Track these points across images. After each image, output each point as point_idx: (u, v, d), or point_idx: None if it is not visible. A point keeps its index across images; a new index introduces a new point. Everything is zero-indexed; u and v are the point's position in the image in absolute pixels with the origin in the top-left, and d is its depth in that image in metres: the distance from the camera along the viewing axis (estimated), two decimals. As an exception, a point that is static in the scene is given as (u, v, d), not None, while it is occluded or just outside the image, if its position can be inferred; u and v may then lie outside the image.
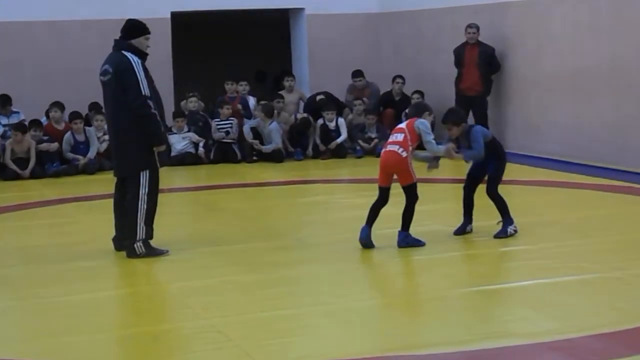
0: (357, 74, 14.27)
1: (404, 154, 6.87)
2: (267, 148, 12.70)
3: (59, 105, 12.56)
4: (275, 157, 12.63)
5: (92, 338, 5.12)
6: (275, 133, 12.75)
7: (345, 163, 12.68)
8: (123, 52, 6.86)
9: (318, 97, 13.93)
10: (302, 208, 9.48)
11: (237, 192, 10.42)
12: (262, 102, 13.38)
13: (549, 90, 12.05)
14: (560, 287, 5.80)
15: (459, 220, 8.12)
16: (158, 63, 13.51)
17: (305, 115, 13.49)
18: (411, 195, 6.97)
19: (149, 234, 6.91)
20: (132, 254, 6.88)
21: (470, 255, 6.77)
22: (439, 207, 9.17)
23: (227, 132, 12.90)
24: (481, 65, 12.60)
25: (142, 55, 6.93)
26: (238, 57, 16.99)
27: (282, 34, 16.41)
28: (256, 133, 12.80)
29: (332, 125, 13.11)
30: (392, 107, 13.73)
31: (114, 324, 5.54)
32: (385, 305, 5.55)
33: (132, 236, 6.87)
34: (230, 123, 12.96)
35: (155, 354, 4.86)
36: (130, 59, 6.80)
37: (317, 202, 9.62)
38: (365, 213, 8.62)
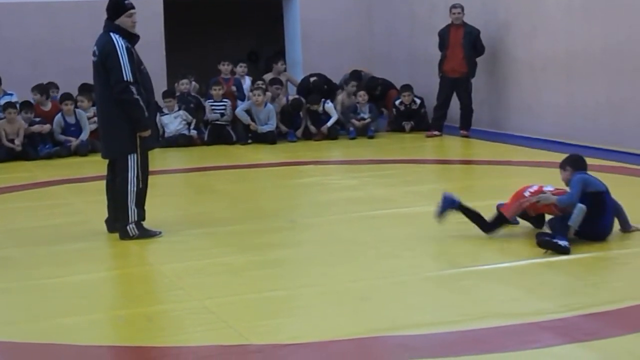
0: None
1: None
2: (263, 128, 12.69)
3: (39, 88, 12.52)
4: (269, 138, 12.62)
5: (87, 319, 5.11)
6: (273, 114, 12.76)
7: (337, 144, 12.67)
8: (110, 33, 6.75)
9: (312, 79, 13.91)
10: (294, 189, 9.48)
11: (230, 173, 10.42)
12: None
13: (543, 71, 12.04)
14: (552, 267, 5.81)
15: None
16: (150, 44, 13.49)
17: (297, 96, 13.47)
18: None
19: (141, 215, 6.90)
20: (124, 235, 6.87)
21: (462, 236, 6.77)
22: (431, 187, 9.18)
23: (222, 114, 12.87)
24: (466, 46, 12.56)
25: (130, 36, 6.81)
26: (231, 38, 16.95)
27: (275, 14, 16.37)
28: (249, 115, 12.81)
29: (319, 109, 13.07)
30: (408, 119, 13.57)
31: (108, 305, 5.53)
32: (377, 286, 5.56)
33: (124, 219, 6.86)
34: (224, 104, 12.94)
35: (149, 334, 4.85)
36: (115, 41, 6.68)
37: (309, 184, 9.61)
38: (357, 194, 8.65)
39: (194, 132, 12.66)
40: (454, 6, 12.71)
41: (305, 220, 7.61)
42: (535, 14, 12.12)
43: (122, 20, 6.78)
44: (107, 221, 7.13)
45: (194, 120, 12.75)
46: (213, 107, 12.93)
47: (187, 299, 5.45)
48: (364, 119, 13.18)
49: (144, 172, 6.90)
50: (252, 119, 12.78)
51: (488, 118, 13.16)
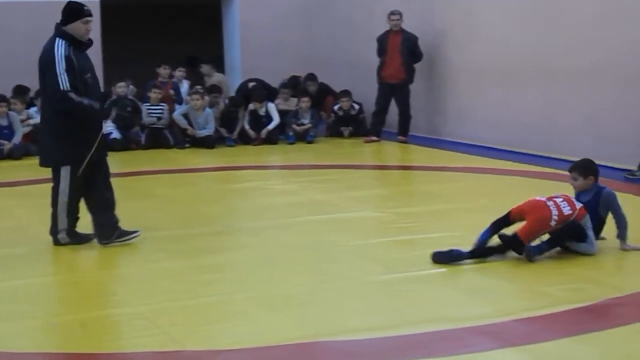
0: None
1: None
2: (201, 133, 12.62)
3: None
4: (207, 143, 12.55)
5: (19, 326, 5.01)
6: (211, 118, 12.69)
7: (276, 149, 12.66)
8: (57, 38, 6.48)
9: (250, 84, 13.88)
10: (233, 194, 9.43)
11: (168, 177, 10.32)
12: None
13: (479, 78, 12.19)
14: (488, 272, 5.86)
15: (390, 205, 8.19)
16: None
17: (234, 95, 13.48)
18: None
19: (71, 223, 6.76)
20: (57, 243, 6.76)
21: (402, 240, 6.81)
22: (370, 192, 9.22)
23: (159, 118, 12.77)
24: (404, 53, 12.66)
25: (79, 44, 6.53)
26: (170, 42, 16.82)
27: (215, 18, 16.30)
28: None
29: (262, 111, 13.07)
30: (346, 124, 13.60)
31: (41, 311, 5.42)
32: (316, 291, 5.55)
33: (54, 226, 6.74)
34: (162, 108, 12.84)
35: (83, 341, 4.77)
36: (56, 49, 6.39)
37: (248, 188, 9.57)
38: (297, 199, 8.64)
39: (116, 135, 12.41)
40: (392, 13, 12.79)
41: (244, 225, 7.58)
42: (471, 21, 12.26)
43: (75, 26, 6.48)
44: (96, 230, 6.83)
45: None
46: (150, 111, 12.81)
47: (122, 305, 5.37)
48: (304, 124, 13.19)
49: (76, 185, 6.65)
50: (190, 123, 12.70)
51: (426, 124, 13.27)
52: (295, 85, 14.09)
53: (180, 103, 13.28)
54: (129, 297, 5.48)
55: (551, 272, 5.81)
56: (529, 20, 11.30)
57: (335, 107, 13.72)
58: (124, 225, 6.80)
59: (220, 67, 16.24)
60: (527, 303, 5.22)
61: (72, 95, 6.42)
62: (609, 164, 9.56)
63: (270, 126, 12.96)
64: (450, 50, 12.71)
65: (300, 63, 14.59)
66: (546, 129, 11.08)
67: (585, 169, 6.40)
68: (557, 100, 10.92)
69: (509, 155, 11.06)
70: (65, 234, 6.74)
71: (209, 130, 12.66)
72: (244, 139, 12.98)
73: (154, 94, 12.85)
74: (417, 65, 12.82)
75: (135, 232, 6.81)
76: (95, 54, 13.76)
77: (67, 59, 6.42)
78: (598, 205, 6.29)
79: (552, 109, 11.00)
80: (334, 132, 13.64)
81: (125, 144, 12.43)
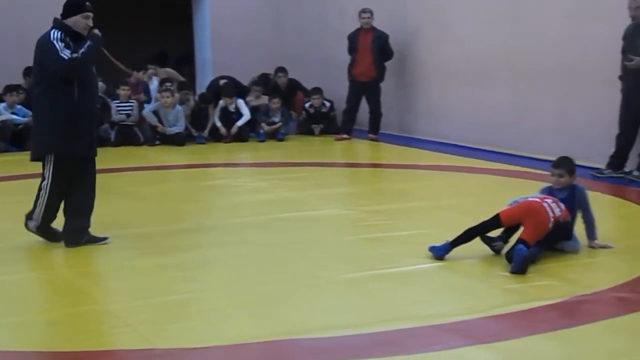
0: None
1: None
2: (171, 130, 12.57)
3: None
4: (177, 140, 12.50)
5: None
6: (181, 115, 12.65)
7: (247, 146, 12.64)
8: (52, 29, 6.50)
9: (221, 81, 13.84)
10: (204, 192, 9.41)
11: (137, 175, 10.27)
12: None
13: (450, 76, 12.24)
14: (457, 270, 5.89)
15: (360, 203, 8.21)
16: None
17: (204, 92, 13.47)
18: None
19: (45, 222, 6.68)
20: (25, 226, 6.73)
21: (372, 238, 6.83)
22: (341, 190, 9.24)
23: (128, 115, 12.70)
24: (375, 51, 12.69)
25: (75, 36, 6.49)
26: (139, 38, 16.72)
27: (186, 15, 16.23)
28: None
29: (232, 107, 13.05)
30: (317, 122, 13.62)
31: (8, 310, 5.37)
32: (286, 289, 5.55)
33: (31, 212, 6.69)
34: (131, 105, 12.77)
35: (51, 340, 4.74)
36: (51, 36, 6.41)
37: (218, 186, 9.55)
38: (267, 196, 8.64)
39: None
40: (363, 11, 12.81)
41: (215, 222, 7.56)
42: (442, 20, 12.31)
43: (76, 19, 6.52)
44: (64, 233, 6.74)
45: None
46: (119, 108, 12.74)
47: (92, 302, 5.34)
48: (274, 122, 13.17)
49: (61, 181, 6.60)
50: (160, 121, 12.65)
51: (396, 122, 13.30)
52: (265, 83, 14.08)
53: (149, 100, 13.22)
54: (100, 295, 5.45)
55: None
56: (500, 20, 11.36)
57: (306, 105, 13.72)
58: (94, 222, 6.75)
59: (191, 64, 16.20)
60: (496, 300, 5.25)
61: (75, 55, 6.40)
62: (578, 163, 9.62)
63: (240, 122, 12.93)
64: (421, 48, 12.75)
65: (271, 60, 14.57)
66: (516, 127, 11.15)
67: (571, 166, 6.45)
68: (527, 99, 11.00)
69: (480, 153, 11.12)
70: (34, 225, 6.70)
71: (179, 128, 12.61)
72: (215, 136, 12.94)
73: (122, 91, 12.79)
74: (388, 64, 12.84)
75: (105, 238, 6.74)
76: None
77: (64, 41, 6.45)
78: (574, 202, 6.35)
79: (522, 108, 11.08)
80: (305, 129, 13.64)
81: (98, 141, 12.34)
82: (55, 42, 6.42)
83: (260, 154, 11.96)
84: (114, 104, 12.76)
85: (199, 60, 15.66)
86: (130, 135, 12.60)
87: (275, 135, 13.05)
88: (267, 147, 12.53)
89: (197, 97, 13.39)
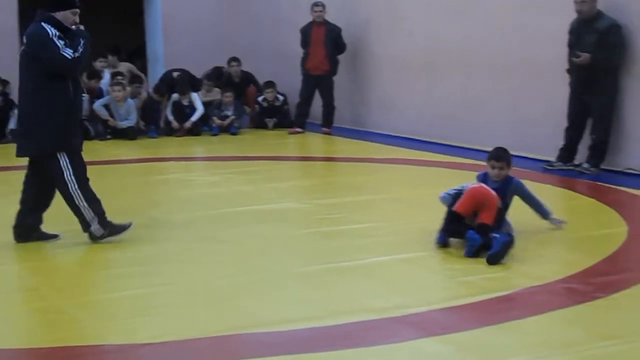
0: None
1: None
2: (123, 124, 12.45)
3: None
4: (129, 134, 12.39)
5: None
6: (133, 109, 12.54)
7: (200, 140, 12.57)
8: (42, 23, 6.37)
9: (174, 74, 13.75)
10: (155, 186, 9.33)
11: (89, 169, 10.07)
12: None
13: (403, 69, 12.27)
14: (412, 263, 5.91)
15: (313, 196, 8.21)
16: (4, 35, 13.06)
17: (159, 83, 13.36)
18: None
19: (98, 209, 6.48)
20: (94, 238, 6.48)
21: (325, 232, 6.82)
22: (294, 184, 9.23)
23: (79, 109, 12.55)
24: (327, 44, 12.70)
25: (63, 30, 6.39)
26: (93, 33, 16.53)
27: (138, 7, 16.07)
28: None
29: (185, 101, 12.97)
30: (271, 116, 13.60)
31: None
32: (239, 283, 5.52)
33: (83, 222, 6.46)
34: (82, 99, 12.62)
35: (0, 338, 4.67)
36: (48, 31, 6.30)
37: (171, 180, 9.48)
38: (220, 190, 8.60)
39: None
40: (315, 4, 12.80)
41: (168, 217, 7.50)
42: (395, 13, 12.33)
43: (65, 14, 6.40)
44: (16, 228, 6.59)
45: None
46: (71, 102, 12.57)
47: (41, 299, 5.27)
48: (227, 116, 13.11)
49: (79, 168, 6.50)
50: (111, 114, 12.52)
51: (350, 115, 13.32)
52: (218, 76, 14.00)
53: (102, 93, 13.08)
54: (48, 291, 5.37)
55: (472, 262, 5.88)
56: (452, 13, 11.42)
57: (260, 99, 13.69)
58: (47, 217, 6.65)
59: (142, 57, 16.05)
60: (449, 292, 5.28)
61: (77, 54, 6.34)
62: (529, 155, 9.75)
63: (194, 117, 12.86)
64: (374, 42, 12.77)
65: (224, 53, 14.47)
66: (468, 120, 11.22)
67: (510, 158, 6.54)
68: (479, 92, 11.07)
69: (432, 146, 11.18)
70: (98, 225, 6.47)
71: (131, 122, 12.50)
72: (167, 130, 12.85)
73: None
74: (341, 57, 12.85)
75: (56, 236, 6.65)
76: (11, 43, 13.54)
77: (62, 39, 6.36)
78: (506, 193, 6.44)
79: (474, 101, 11.15)
80: (258, 123, 13.60)
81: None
82: (54, 39, 6.31)
83: (213, 147, 11.90)
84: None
85: (151, 53, 15.52)
86: (80, 129, 12.42)
87: (228, 129, 13.00)
88: (220, 141, 12.47)
89: (150, 90, 13.26)
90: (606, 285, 5.31)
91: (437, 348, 4.40)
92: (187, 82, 13.35)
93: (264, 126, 13.51)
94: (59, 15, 6.43)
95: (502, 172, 6.47)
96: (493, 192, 6.22)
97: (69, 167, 6.45)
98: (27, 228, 6.57)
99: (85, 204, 6.45)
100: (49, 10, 6.45)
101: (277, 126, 13.45)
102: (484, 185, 6.32)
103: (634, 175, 8.92)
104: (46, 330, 4.77)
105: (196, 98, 13.03)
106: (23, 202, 6.62)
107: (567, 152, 9.52)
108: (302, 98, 13.09)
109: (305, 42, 12.89)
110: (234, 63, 14.03)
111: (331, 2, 12.88)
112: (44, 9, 6.47)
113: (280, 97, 13.70)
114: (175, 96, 12.98)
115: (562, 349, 4.35)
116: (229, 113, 13.15)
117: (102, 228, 6.48)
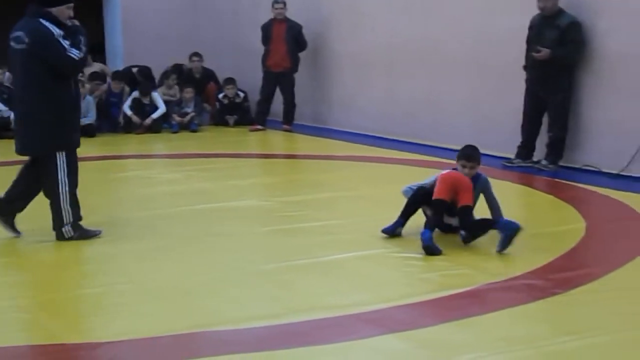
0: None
1: None
2: (82, 121, 12.32)
3: None
4: (88, 131, 12.27)
5: None
6: (92, 106, 12.44)
7: (160, 138, 12.50)
8: (41, 20, 6.24)
9: (134, 69, 13.66)
10: (116, 184, 9.26)
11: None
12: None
13: (364, 67, 12.30)
14: (371, 260, 5.92)
15: (275, 194, 8.19)
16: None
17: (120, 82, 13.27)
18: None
19: (77, 215, 6.50)
20: (60, 237, 6.46)
21: (286, 229, 6.81)
22: (255, 181, 9.21)
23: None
24: (288, 41, 12.70)
25: (60, 26, 6.30)
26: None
27: (97, 2, 15.93)
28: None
29: (146, 100, 12.89)
30: (231, 113, 13.57)
31: None
32: (199, 281, 5.49)
33: (59, 220, 6.46)
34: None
35: (-46, 337, 4.60)
36: (52, 30, 6.20)
37: (131, 178, 9.42)
38: (181, 188, 8.55)
39: None
40: (276, 1, 12.79)
41: (128, 215, 7.44)
42: (357, 10, 12.35)
43: (61, 10, 6.29)
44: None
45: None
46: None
47: (-2, 298, 5.21)
48: (187, 113, 13.05)
49: (75, 171, 6.47)
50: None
51: (311, 113, 13.32)
52: (179, 73, 13.93)
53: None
54: (6, 290, 5.31)
55: (431, 259, 5.91)
56: (413, 11, 11.46)
57: (220, 96, 13.64)
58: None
59: (101, 53, 15.90)
60: (408, 289, 5.30)
61: (82, 54, 6.30)
62: (489, 152, 9.81)
63: (155, 114, 12.79)
64: (335, 39, 12.78)
65: (184, 49, 14.41)
66: (429, 118, 11.27)
67: (480, 157, 6.57)
68: (440, 90, 11.13)
69: (393, 143, 11.22)
70: (70, 227, 6.47)
71: (90, 119, 12.39)
72: (126, 128, 12.75)
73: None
74: (302, 54, 12.85)
75: (18, 233, 6.64)
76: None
77: (64, 37, 6.28)
78: (475, 188, 6.45)
79: (435, 99, 11.20)
80: (219, 120, 13.56)
81: (1, 132, 12.04)
82: (60, 39, 6.23)
83: (173, 145, 11.84)
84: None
85: (110, 49, 15.40)
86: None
87: (188, 127, 12.93)
88: (180, 138, 12.41)
89: (110, 84, 13.15)
90: (565, 281, 5.37)
91: (395, 345, 4.41)
92: (148, 83, 13.27)
93: (224, 123, 13.47)
94: (55, 10, 6.32)
95: (473, 171, 6.51)
96: (463, 175, 6.32)
97: (65, 167, 6.43)
98: (11, 209, 6.58)
99: (68, 208, 6.46)
100: (45, 5, 6.33)
101: (237, 123, 13.42)
102: (451, 170, 6.39)
103: (591, 172, 9.02)
104: (3, 330, 4.70)
105: (157, 97, 12.96)
106: (10, 193, 6.63)
107: (526, 149, 9.61)
108: (263, 95, 13.06)
109: (266, 40, 12.87)
110: (195, 58, 13.97)
111: (292, -1, 12.88)
112: (39, 4, 6.33)
113: (241, 94, 13.66)
114: (135, 93, 12.89)
115: (522, 344, 4.38)
116: (189, 110, 13.09)
117: (72, 231, 6.49)
